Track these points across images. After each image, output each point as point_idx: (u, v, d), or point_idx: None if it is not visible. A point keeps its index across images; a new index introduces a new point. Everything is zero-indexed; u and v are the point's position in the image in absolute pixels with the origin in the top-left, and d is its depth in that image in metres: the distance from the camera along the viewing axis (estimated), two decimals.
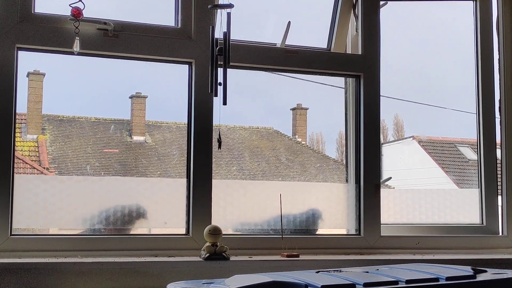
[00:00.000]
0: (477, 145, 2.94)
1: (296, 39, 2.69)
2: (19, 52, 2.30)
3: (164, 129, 3.35)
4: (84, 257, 2.22)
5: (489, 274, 1.82)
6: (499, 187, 2.91)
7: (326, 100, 3.12)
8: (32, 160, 3.15)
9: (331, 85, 2.88)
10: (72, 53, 2.29)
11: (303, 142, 3.62)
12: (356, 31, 2.79)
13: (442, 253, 2.70)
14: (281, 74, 2.76)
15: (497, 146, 2.94)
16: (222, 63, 2.29)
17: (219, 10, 2.33)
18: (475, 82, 2.95)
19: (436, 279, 1.70)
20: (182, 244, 2.40)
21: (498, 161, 2.94)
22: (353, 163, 2.74)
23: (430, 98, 3.37)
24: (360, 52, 2.74)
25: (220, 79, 2.29)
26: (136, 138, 3.27)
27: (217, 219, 2.45)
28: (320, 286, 1.58)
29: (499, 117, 2.95)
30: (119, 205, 2.42)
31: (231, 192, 2.58)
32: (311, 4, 2.98)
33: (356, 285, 1.61)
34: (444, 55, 3.31)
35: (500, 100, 2.94)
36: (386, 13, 2.78)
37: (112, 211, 2.41)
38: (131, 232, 2.45)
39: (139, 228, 2.49)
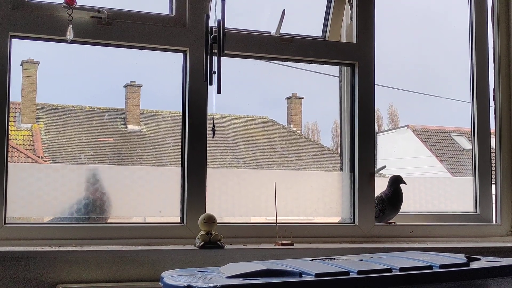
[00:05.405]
0: (472, 134, 2.94)
1: (290, 28, 2.69)
2: (13, 40, 2.29)
3: (158, 118, 3.34)
4: (79, 246, 2.22)
5: (483, 262, 1.83)
6: (493, 176, 2.92)
7: (321, 89, 3.12)
8: (26, 149, 3.14)
9: (326, 74, 2.88)
10: (65, 41, 2.28)
11: (298, 131, 3.62)
12: (350, 19, 2.78)
13: (436, 241, 2.71)
14: (275, 63, 2.75)
15: (491, 135, 2.94)
16: (216, 51, 2.29)
17: None
18: (469, 71, 2.95)
19: (430, 267, 1.71)
20: (177, 232, 2.40)
21: (492, 150, 2.94)
22: (347, 152, 2.74)
23: (425, 87, 3.37)
24: (354, 41, 2.74)
25: (214, 67, 2.29)
26: (130, 127, 3.26)
27: (211, 208, 2.45)
28: (314, 274, 1.58)
29: (494, 106, 2.95)
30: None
31: (225, 181, 2.58)
32: None
33: (350, 273, 1.62)
34: (439, 44, 3.31)
35: (494, 89, 2.94)
36: (381, 2, 2.77)
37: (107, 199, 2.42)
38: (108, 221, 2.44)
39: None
